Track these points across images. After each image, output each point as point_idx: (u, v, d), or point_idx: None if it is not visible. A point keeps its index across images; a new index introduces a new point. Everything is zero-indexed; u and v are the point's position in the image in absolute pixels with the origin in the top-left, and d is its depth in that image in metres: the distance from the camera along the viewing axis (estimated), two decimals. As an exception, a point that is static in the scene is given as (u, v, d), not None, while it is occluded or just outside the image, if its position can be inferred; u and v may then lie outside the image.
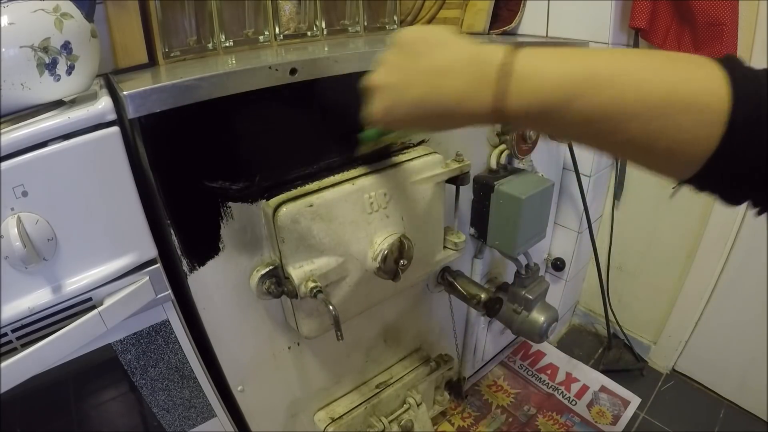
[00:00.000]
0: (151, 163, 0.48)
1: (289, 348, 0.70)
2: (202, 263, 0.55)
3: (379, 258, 0.63)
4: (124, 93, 0.42)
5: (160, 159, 0.48)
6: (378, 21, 1.03)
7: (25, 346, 0.43)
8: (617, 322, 1.26)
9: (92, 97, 0.46)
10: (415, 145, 0.71)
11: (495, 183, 0.80)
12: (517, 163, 0.90)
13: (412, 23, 1.07)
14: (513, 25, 1.00)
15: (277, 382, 0.71)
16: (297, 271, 0.57)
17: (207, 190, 0.52)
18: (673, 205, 1.10)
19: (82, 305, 0.46)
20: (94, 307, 0.46)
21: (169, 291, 0.52)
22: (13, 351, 0.43)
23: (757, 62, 0.86)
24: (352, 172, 0.62)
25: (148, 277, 0.50)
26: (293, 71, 0.51)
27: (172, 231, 0.51)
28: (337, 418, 0.78)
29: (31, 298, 0.43)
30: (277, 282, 0.59)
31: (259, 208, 0.57)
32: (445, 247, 0.78)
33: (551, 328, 0.89)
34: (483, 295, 0.81)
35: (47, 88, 0.44)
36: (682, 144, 0.29)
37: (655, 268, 1.19)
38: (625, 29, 0.96)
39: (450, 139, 0.76)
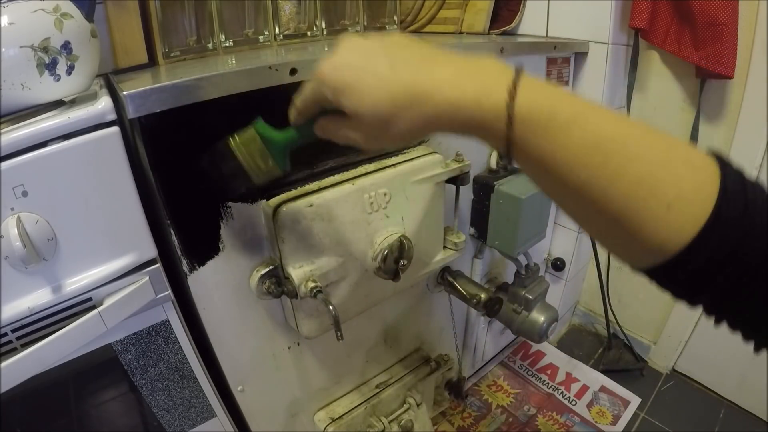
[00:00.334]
0: (151, 163, 0.48)
1: (289, 348, 0.70)
2: (202, 263, 0.55)
3: (379, 258, 0.63)
4: (124, 93, 0.42)
5: (160, 159, 0.48)
6: (378, 21, 1.03)
7: (25, 346, 0.43)
8: (617, 322, 1.26)
9: (92, 97, 0.46)
10: (415, 145, 0.71)
11: (495, 183, 0.80)
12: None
13: (412, 23, 1.07)
14: (513, 25, 1.00)
15: (277, 382, 0.71)
16: (297, 271, 0.57)
17: (207, 190, 0.52)
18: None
19: (82, 305, 0.46)
20: (94, 307, 0.46)
21: (169, 291, 0.52)
22: (13, 351, 0.43)
23: (757, 62, 0.87)
24: (352, 172, 0.62)
25: (148, 277, 0.50)
26: (293, 71, 0.51)
27: (172, 231, 0.51)
28: (337, 418, 0.78)
29: (31, 298, 0.43)
30: (277, 282, 0.59)
31: (259, 208, 0.57)
32: (445, 247, 0.78)
33: (551, 328, 0.89)
34: (483, 295, 0.81)
35: (47, 88, 0.44)
36: (651, 232, 0.27)
37: (655, 268, 1.19)
38: (625, 29, 0.96)
39: (450, 139, 0.76)
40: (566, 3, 0.97)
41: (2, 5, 0.40)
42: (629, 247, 0.29)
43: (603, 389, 1.19)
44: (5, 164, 0.39)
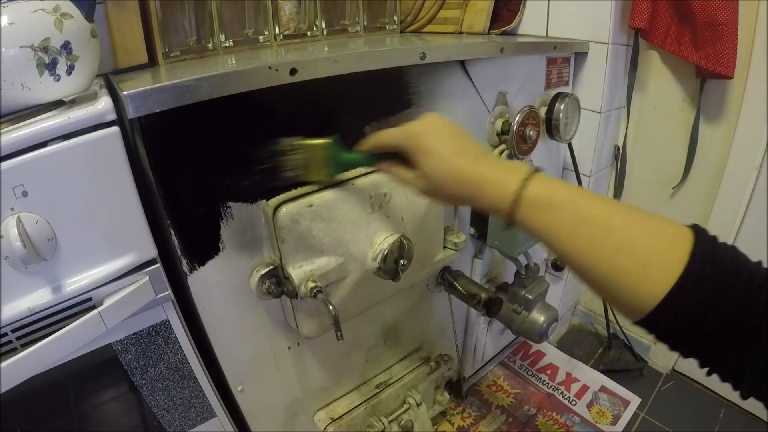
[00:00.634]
0: (151, 163, 0.48)
1: (289, 348, 0.70)
2: (202, 263, 0.55)
3: (379, 258, 0.63)
4: (124, 93, 0.42)
5: (160, 159, 0.48)
6: (378, 21, 1.03)
7: (25, 346, 0.43)
8: (617, 322, 1.26)
9: (92, 97, 0.46)
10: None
11: (495, 183, 0.80)
12: (517, 163, 0.89)
13: (412, 23, 1.07)
14: (513, 25, 1.00)
15: (277, 382, 0.71)
16: (297, 271, 0.57)
17: (207, 190, 0.52)
18: (673, 205, 1.11)
19: (82, 305, 0.46)
20: (94, 307, 0.46)
21: (169, 291, 0.52)
22: (13, 351, 0.43)
23: (757, 62, 0.87)
24: (353, 172, 0.62)
25: (148, 277, 0.50)
26: (293, 71, 0.51)
27: (172, 231, 0.51)
28: (337, 418, 0.78)
29: (31, 298, 0.43)
30: (277, 282, 0.59)
31: (259, 208, 0.57)
32: (445, 247, 0.78)
33: (551, 328, 0.89)
34: (483, 295, 0.81)
35: (47, 88, 0.44)
36: (632, 288, 0.33)
37: (655, 268, 1.19)
38: (625, 29, 0.96)
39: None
40: (566, 3, 0.97)
41: (2, 5, 0.40)
42: (617, 303, 0.36)
43: (603, 389, 1.19)
44: (5, 164, 0.39)
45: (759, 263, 0.32)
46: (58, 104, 0.46)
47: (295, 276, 0.56)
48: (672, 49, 0.93)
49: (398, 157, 0.48)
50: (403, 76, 0.66)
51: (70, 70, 0.45)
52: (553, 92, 0.92)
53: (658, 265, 0.32)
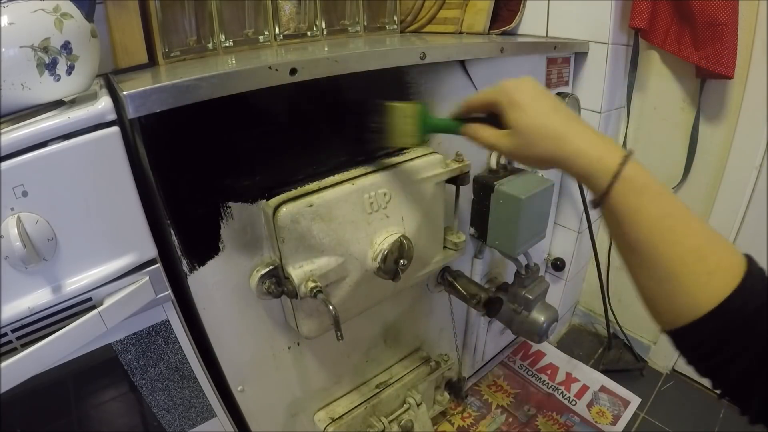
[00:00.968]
0: (151, 163, 0.48)
1: (289, 348, 0.70)
2: (202, 263, 0.55)
3: (379, 258, 0.63)
4: (124, 93, 0.42)
5: (160, 159, 0.48)
6: (378, 21, 1.03)
7: (25, 346, 0.43)
8: (617, 322, 1.26)
9: (92, 97, 0.46)
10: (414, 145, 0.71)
11: (495, 183, 0.80)
12: (517, 163, 0.90)
13: (412, 23, 1.07)
14: (513, 25, 1.00)
15: (277, 382, 0.71)
16: (297, 271, 0.57)
17: (207, 190, 0.52)
18: (673, 205, 1.10)
19: (82, 305, 0.46)
20: (94, 307, 0.46)
21: (169, 291, 0.52)
22: (13, 351, 0.43)
23: (757, 62, 0.87)
24: (352, 172, 0.62)
25: (148, 277, 0.50)
26: (293, 71, 0.51)
27: (172, 231, 0.51)
28: (337, 418, 0.78)
29: (31, 298, 0.43)
30: (277, 282, 0.59)
31: (259, 208, 0.57)
32: (445, 247, 0.78)
33: (551, 328, 0.89)
34: (483, 295, 0.81)
35: (47, 88, 0.44)
36: (691, 292, 0.34)
37: (655, 268, 1.19)
38: (625, 29, 0.96)
39: (450, 139, 0.76)
40: (566, 3, 0.96)
41: (2, 5, 0.40)
42: (672, 302, 0.36)
43: (603, 389, 1.19)
44: (5, 164, 0.39)
45: None
46: (58, 104, 0.46)
47: (295, 276, 0.56)
48: (672, 49, 0.93)
49: (485, 122, 0.48)
50: (403, 76, 0.66)
51: (70, 70, 0.45)
52: (553, 92, 0.92)
53: (721, 274, 0.34)
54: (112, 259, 0.47)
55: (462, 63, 0.74)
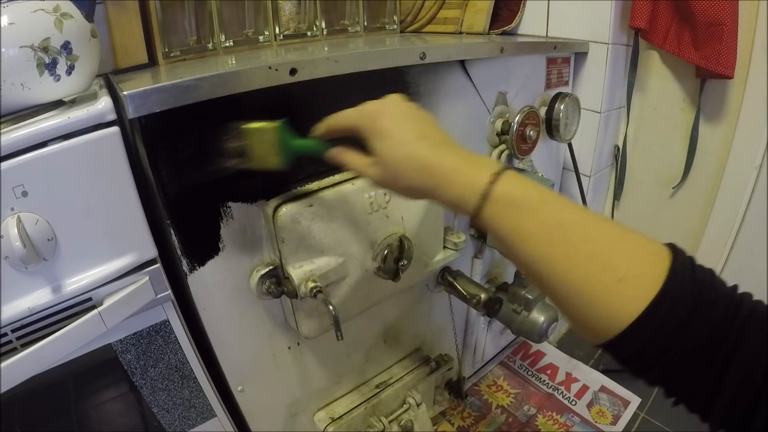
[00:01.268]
0: (151, 163, 0.48)
1: (289, 348, 0.70)
2: (202, 263, 0.55)
3: (379, 258, 0.63)
4: (124, 93, 0.42)
5: (160, 159, 0.48)
6: (378, 21, 1.03)
7: (25, 346, 0.43)
8: (617, 322, 1.26)
9: (92, 97, 0.46)
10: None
11: (495, 183, 0.80)
12: (517, 163, 0.90)
13: (412, 23, 1.07)
14: (513, 25, 1.00)
15: (277, 382, 0.71)
16: (297, 271, 0.57)
17: (207, 190, 0.52)
18: (673, 205, 1.10)
19: (82, 305, 0.46)
20: (94, 307, 0.46)
21: (169, 291, 0.52)
22: (13, 351, 0.43)
23: (757, 62, 0.87)
24: (352, 172, 0.62)
25: (148, 277, 0.50)
26: (293, 71, 0.51)
27: (172, 231, 0.51)
28: (337, 418, 0.78)
29: (31, 298, 0.43)
30: (277, 282, 0.59)
31: (259, 208, 0.57)
32: (445, 247, 0.78)
33: (551, 328, 0.89)
34: (483, 295, 0.81)
35: (47, 88, 0.44)
36: (605, 304, 0.30)
37: (655, 268, 1.19)
38: (625, 29, 0.96)
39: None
40: (566, 3, 0.97)
41: (2, 5, 0.40)
42: (586, 318, 0.32)
43: (603, 389, 1.19)
44: (5, 164, 0.39)
45: (735, 287, 0.30)
46: (58, 104, 0.46)
47: (295, 276, 0.56)
48: (672, 49, 0.93)
49: (355, 144, 0.44)
50: (403, 76, 0.66)
51: (70, 70, 0.45)
52: (553, 92, 0.92)
53: (634, 280, 0.29)
54: (112, 259, 0.47)
55: (462, 63, 0.74)
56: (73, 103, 0.46)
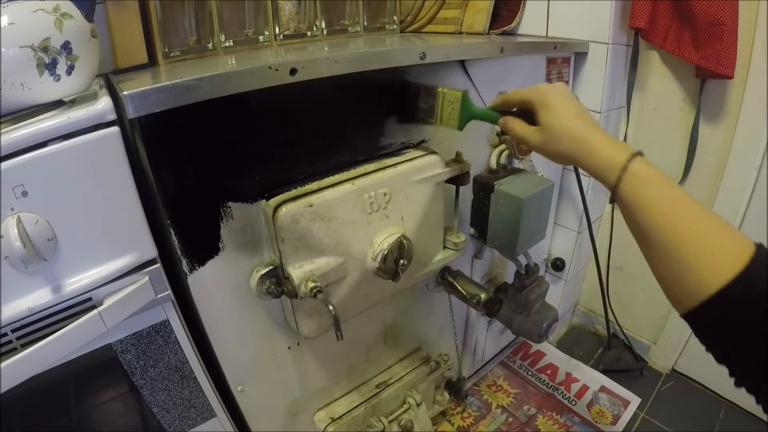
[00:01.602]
0: (151, 163, 0.48)
1: (289, 348, 0.70)
2: (202, 263, 0.55)
3: (379, 258, 0.63)
4: (124, 93, 0.42)
5: (160, 159, 0.48)
6: (378, 21, 1.03)
7: (25, 346, 0.43)
8: (617, 322, 1.26)
9: (92, 97, 0.46)
10: (415, 146, 0.71)
11: (495, 183, 0.80)
12: (517, 163, 0.90)
13: (412, 23, 1.07)
14: (513, 25, 1.00)
15: (277, 382, 0.71)
16: (297, 271, 0.57)
17: (207, 190, 0.52)
18: (673, 205, 1.10)
19: (82, 305, 0.46)
20: (94, 307, 0.46)
21: (169, 291, 0.52)
22: (13, 351, 0.43)
23: (757, 62, 0.87)
24: (352, 172, 0.62)
25: (148, 277, 0.50)
26: (293, 71, 0.51)
27: (172, 231, 0.51)
28: (337, 418, 0.78)
29: (31, 298, 0.43)
30: (277, 282, 0.59)
31: (259, 208, 0.57)
32: (445, 247, 0.78)
33: (551, 328, 0.89)
34: (483, 295, 0.81)
35: (47, 88, 0.44)
36: (696, 272, 0.37)
37: (655, 268, 1.19)
38: (625, 29, 0.96)
39: (450, 139, 0.76)
40: (566, 3, 0.96)
41: (2, 5, 0.40)
42: (681, 282, 0.39)
43: (603, 389, 1.19)
44: (5, 164, 0.39)
45: None
46: (58, 104, 0.46)
47: (295, 276, 0.56)
48: (672, 49, 0.93)
49: (519, 117, 0.54)
50: (403, 76, 0.66)
51: (70, 70, 0.45)
52: (553, 92, 0.92)
53: (724, 256, 0.36)
54: (112, 259, 0.47)
55: (462, 63, 0.74)
56: (73, 103, 0.46)
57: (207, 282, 0.56)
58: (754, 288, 0.34)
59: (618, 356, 1.26)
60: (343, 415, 0.79)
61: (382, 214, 0.63)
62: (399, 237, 0.63)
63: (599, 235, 1.23)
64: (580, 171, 1.07)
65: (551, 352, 1.31)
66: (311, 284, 0.56)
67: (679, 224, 0.39)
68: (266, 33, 0.85)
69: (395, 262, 0.64)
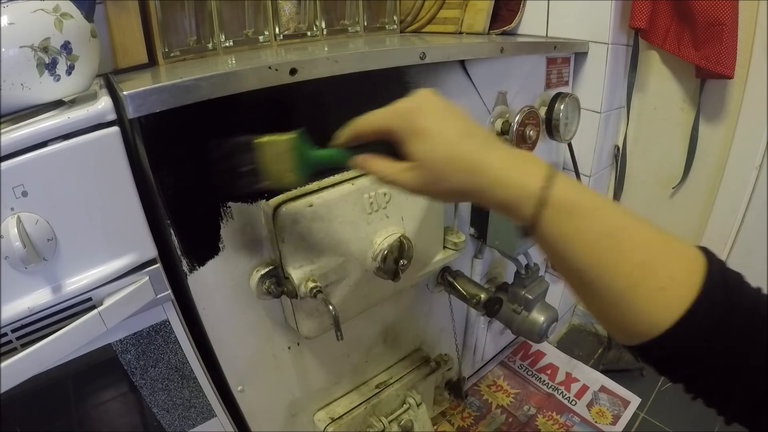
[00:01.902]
0: (151, 163, 0.48)
1: (289, 348, 0.70)
2: (201, 263, 0.55)
3: (379, 258, 0.63)
4: (124, 93, 0.42)
5: (160, 159, 0.48)
6: (378, 21, 1.03)
7: (25, 346, 0.43)
8: (617, 322, 1.26)
9: (92, 97, 0.46)
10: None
11: (495, 183, 0.80)
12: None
13: (411, 23, 1.07)
14: (513, 25, 1.00)
15: (277, 382, 0.71)
16: (297, 271, 0.57)
17: (207, 190, 0.52)
18: (673, 205, 1.10)
19: (82, 305, 0.46)
20: (94, 307, 0.46)
21: (169, 291, 0.52)
22: (13, 351, 0.43)
23: (757, 62, 0.87)
24: (352, 172, 0.62)
25: (148, 277, 0.50)
26: (293, 71, 0.51)
27: (172, 231, 0.51)
28: (337, 418, 0.78)
29: (31, 298, 0.43)
30: (277, 282, 0.59)
31: (259, 208, 0.57)
32: (445, 247, 0.78)
33: (551, 328, 0.89)
34: (483, 295, 0.81)
35: (47, 88, 0.44)
36: (644, 311, 0.31)
37: (655, 268, 1.19)
38: (625, 29, 0.96)
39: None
40: (566, 3, 0.97)
41: (2, 5, 0.40)
42: (625, 322, 0.33)
43: (603, 389, 1.19)
44: (5, 164, 0.39)
45: (759, 290, 0.32)
46: (58, 104, 0.46)
47: (295, 276, 0.56)
48: (672, 49, 0.93)
49: (380, 150, 0.40)
50: (402, 76, 0.66)
51: (70, 70, 0.45)
52: (553, 92, 0.92)
53: (675, 289, 0.30)
54: (112, 259, 0.47)
55: (462, 63, 0.74)
56: (73, 103, 0.46)
57: (207, 282, 0.56)
58: (711, 313, 0.30)
59: (618, 356, 1.25)
60: (343, 415, 0.79)
61: (382, 214, 0.63)
62: (399, 237, 0.63)
63: (599, 235, 1.23)
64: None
65: (551, 352, 1.31)
66: (311, 284, 0.56)
67: (618, 260, 0.31)
68: (266, 33, 0.85)
69: (395, 262, 0.64)
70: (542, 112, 0.90)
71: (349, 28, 0.98)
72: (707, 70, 0.87)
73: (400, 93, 0.64)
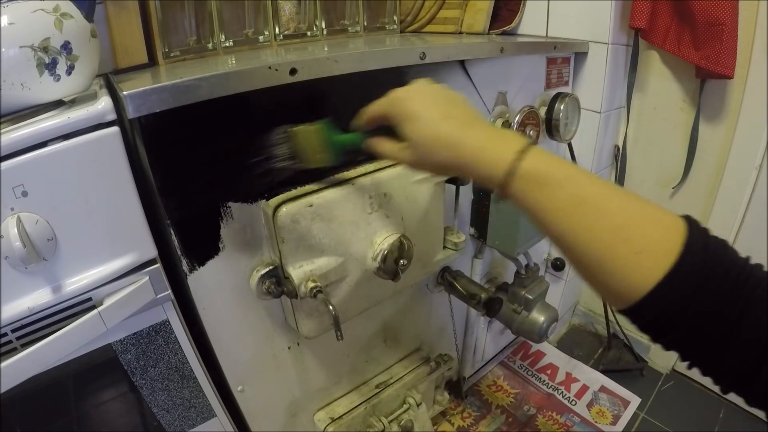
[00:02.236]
0: (151, 163, 0.48)
1: (289, 348, 0.70)
2: (202, 263, 0.55)
3: (379, 258, 0.63)
4: (124, 93, 0.42)
5: (160, 159, 0.48)
6: (378, 21, 1.03)
7: (25, 346, 0.43)
8: (617, 322, 1.26)
9: (92, 97, 0.46)
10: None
11: (495, 183, 0.80)
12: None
13: (412, 23, 1.07)
14: (513, 25, 1.00)
15: (277, 382, 0.71)
16: (297, 271, 0.57)
17: (207, 190, 0.52)
18: (673, 205, 1.11)
19: (82, 305, 0.46)
20: (94, 307, 0.46)
21: (169, 291, 0.52)
22: (13, 351, 0.43)
23: (757, 62, 0.87)
24: (352, 172, 0.62)
25: (147, 277, 0.50)
26: (293, 71, 0.51)
27: (172, 231, 0.51)
28: (337, 418, 0.78)
29: (31, 298, 0.43)
30: (277, 282, 0.59)
31: (259, 208, 0.57)
32: (445, 247, 0.78)
33: (551, 328, 0.89)
34: (483, 295, 0.81)
35: (47, 88, 0.44)
36: (622, 276, 0.32)
37: (655, 268, 1.19)
38: (625, 29, 0.96)
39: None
40: (566, 3, 0.97)
41: (2, 5, 0.40)
42: (605, 289, 0.35)
43: (603, 389, 1.19)
44: (5, 164, 0.39)
45: (747, 259, 0.32)
46: (58, 104, 0.46)
47: (295, 276, 0.56)
48: (672, 49, 0.93)
49: (389, 132, 0.46)
50: (403, 76, 0.66)
51: (70, 70, 0.45)
52: (553, 92, 0.92)
53: (651, 253, 0.31)
54: (112, 259, 0.47)
55: (462, 63, 0.74)
56: (73, 103, 0.46)
57: (207, 282, 0.56)
58: (690, 278, 0.30)
59: (618, 356, 1.26)
60: (343, 415, 0.79)
61: (382, 214, 0.63)
62: (399, 237, 0.63)
63: (599, 235, 1.22)
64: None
65: (551, 352, 1.31)
66: (311, 284, 0.56)
67: (591, 226, 0.33)
68: (266, 33, 0.85)
69: (395, 262, 0.64)
70: (542, 112, 0.90)
71: (349, 28, 0.98)
72: (707, 70, 0.87)
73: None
